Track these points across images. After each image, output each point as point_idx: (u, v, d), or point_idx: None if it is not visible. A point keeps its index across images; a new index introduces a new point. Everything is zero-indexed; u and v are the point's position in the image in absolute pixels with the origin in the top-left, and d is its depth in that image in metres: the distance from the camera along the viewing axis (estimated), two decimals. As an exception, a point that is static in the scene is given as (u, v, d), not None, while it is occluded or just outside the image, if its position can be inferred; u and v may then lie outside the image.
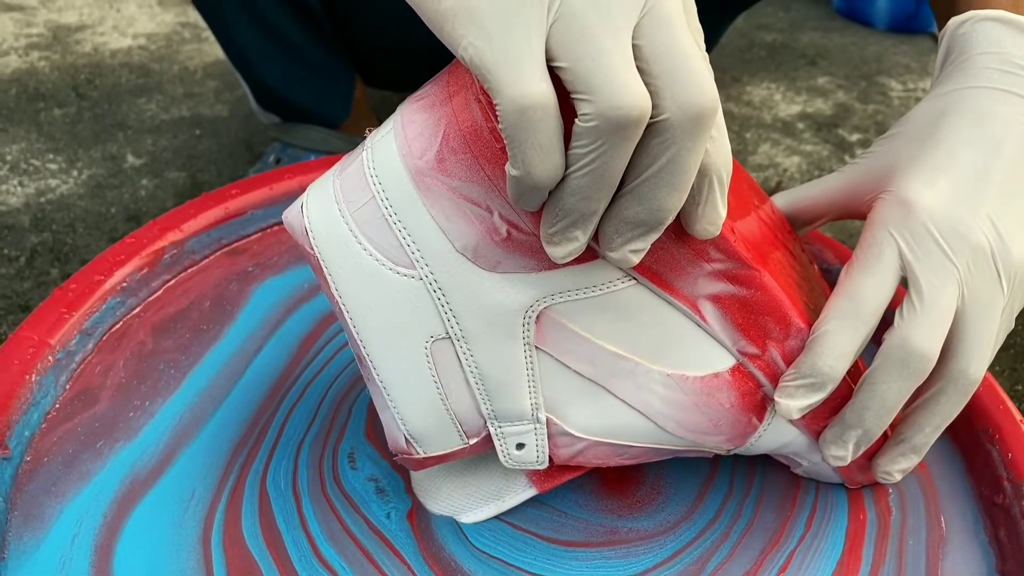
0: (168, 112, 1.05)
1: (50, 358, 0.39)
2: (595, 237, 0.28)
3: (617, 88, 0.23)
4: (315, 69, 0.84)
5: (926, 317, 0.31)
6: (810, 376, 0.31)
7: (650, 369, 0.32)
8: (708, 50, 0.91)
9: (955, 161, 0.34)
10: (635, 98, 0.23)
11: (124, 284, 0.44)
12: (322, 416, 0.40)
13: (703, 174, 0.26)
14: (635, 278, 0.30)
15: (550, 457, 0.34)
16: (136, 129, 1.02)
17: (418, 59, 0.81)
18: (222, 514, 0.35)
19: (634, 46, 0.24)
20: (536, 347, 0.31)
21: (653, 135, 0.24)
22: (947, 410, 0.34)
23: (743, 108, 1.15)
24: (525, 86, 0.23)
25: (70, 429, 0.38)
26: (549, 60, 0.24)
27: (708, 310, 0.31)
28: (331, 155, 0.67)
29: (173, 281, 0.46)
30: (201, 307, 0.44)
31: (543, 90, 0.23)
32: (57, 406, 0.39)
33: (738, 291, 0.31)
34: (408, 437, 0.33)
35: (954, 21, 0.39)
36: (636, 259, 0.27)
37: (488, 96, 0.27)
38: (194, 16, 1.28)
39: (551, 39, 0.23)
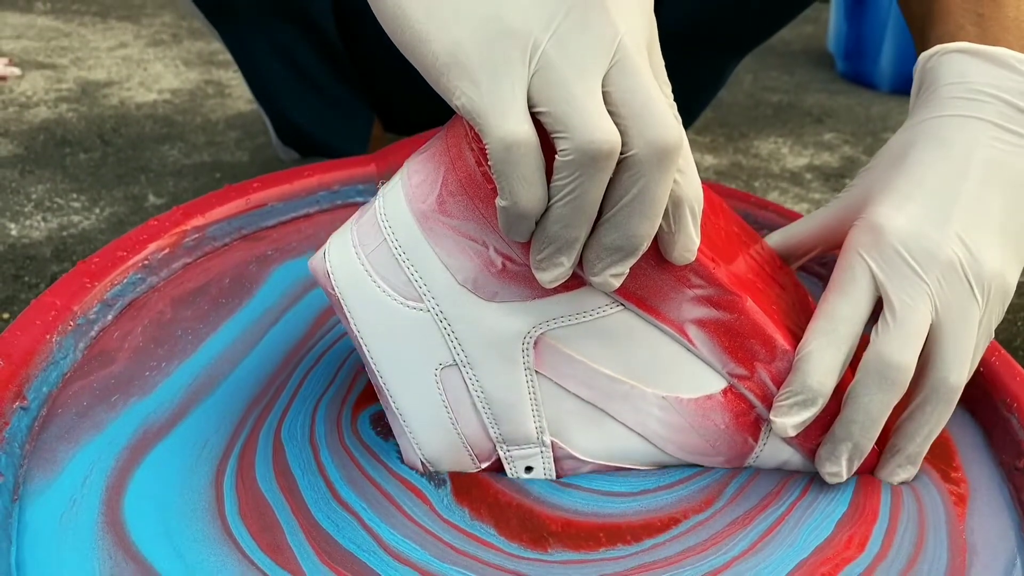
0: (190, 158, 1.08)
1: (71, 323, 0.40)
2: (580, 265, 0.30)
3: (590, 126, 0.26)
4: (336, 105, 0.86)
5: (899, 331, 0.33)
6: (801, 393, 0.33)
7: (645, 392, 0.34)
8: (712, 91, 0.93)
9: (922, 185, 0.37)
10: (605, 134, 0.26)
11: (146, 261, 0.44)
12: (340, 381, 0.40)
13: (676, 204, 0.29)
14: (623, 304, 0.33)
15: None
16: (158, 172, 1.05)
17: (430, 104, 0.84)
18: (235, 461, 0.35)
19: (605, 92, 0.27)
20: (536, 371, 0.33)
21: (624, 169, 0.27)
22: (934, 418, 0.35)
23: (751, 160, 1.18)
24: (510, 127, 0.26)
25: (85, 385, 0.38)
26: (531, 106, 0.27)
27: (695, 334, 0.33)
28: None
29: (193, 262, 0.47)
30: (221, 283, 0.45)
31: (525, 130, 0.26)
32: (75, 368, 0.39)
33: (722, 316, 0.33)
34: (424, 461, 0.35)
35: (924, 56, 0.41)
36: (617, 283, 0.30)
37: (480, 143, 0.30)
38: (218, 74, 1.33)
39: (532, 88, 0.27)
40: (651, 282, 0.32)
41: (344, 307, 0.34)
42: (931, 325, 0.34)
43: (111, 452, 0.35)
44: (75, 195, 0.98)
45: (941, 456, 0.38)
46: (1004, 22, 0.40)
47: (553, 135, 0.27)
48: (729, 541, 0.33)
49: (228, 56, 1.41)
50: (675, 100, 0.94)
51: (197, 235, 0.47)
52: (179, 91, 1.26)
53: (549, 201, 0.28)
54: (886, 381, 0.33)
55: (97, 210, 0.96)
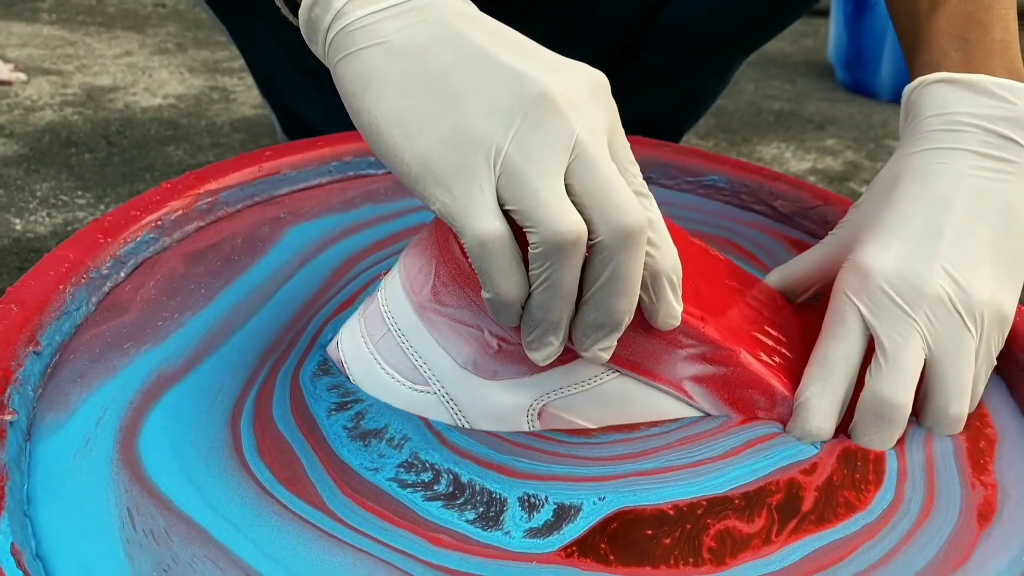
0: (195, 158, 1.08)
1: (84, 276, 0.39)
2: (571, 340, 0.32)
3: (554, 219, 0.28)
4: (341, 102, 0.86)
5: (891, 370, 0.34)
6: (801, 439, 0.35)
7: None
8: (717, 90, 0.94)
9: (906, 221, 0.37)
10: (569, 224, 0.28)
11: (159, 222, 0.44)
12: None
13: (654, 277, 0.31)
14: (618, 371, 0.34)
15: None
16: (164, 172, 1.05)
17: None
18: (251, 403, 0.34)
19: (568, 185, 0.29)
20: None
21: (595, 254, 0.29)
22: None
23: (754, 163, 1.18)
24: (482, 226, 0.28)
25: (97, 334, 0.37)
26: (501, 204, 0.29)
27: (693, 390, 0.35)
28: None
29: (206, 225, 0.46)
30: (233, 242, 0.45)
31: (497, 227, 0.28)
32: (87, 319, 0.39)
33: (717, 370, 0.35)
34: None
35: (908, 89, 0.42)
36: (606, 355, 0.31)
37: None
38: (223, 81, 1.33)
39: (500, 189, 0.28)
40: (642, 348, 0.34)
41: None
42: (926, 360, 0.35)
43: (124, 395, 0.34)
44: (80, 192, 0.98)
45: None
46: (990, 46, 0.41)
47: (524, 229, 0.28)
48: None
49: (233, 64, 1.41)
50: (682, 99, 0.94)
51: (210, 199, 0.47)
52: (184, 96, 1.27)
53: (530, 288, 0.30)
54: (883, 420, 0.34)
55: (102, 207, 0.95)
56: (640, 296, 0.31)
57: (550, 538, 0.30)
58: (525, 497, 0.31)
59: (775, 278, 0.44)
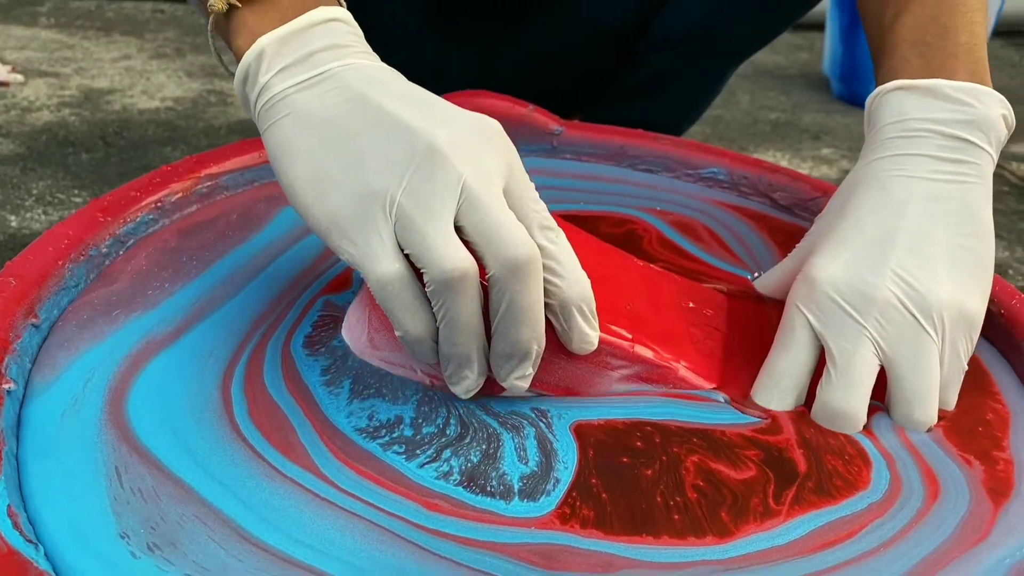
0: (191, 159, 1.08)
1: (83, 253, 0.39)
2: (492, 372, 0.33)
3: (440, 259, 0.30)
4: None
5: (841, 379, 0.34)
6: None
7: None
8: (712, 94, 0.94)
9: (859, 230, 0.37)
10: (454, 262, 0.30)
11: (159, 203, 0.44)
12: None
13: (562, 305, 0.32)
14: (550, 397, 0.35)
15: None
16: (159, 171, 1.04)
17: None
18: (242, 369, 0.34)
19: (459, 227, 0.31)
20: None
21: (491, 287, 0.31)
22: None
23: (751, 171, 1.18)
24: (382, 269, 0.30)
25: (86, 301, 0.37)
26: (402, 249, 0.31)
27: None
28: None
29: (205, 208, 0.46)
30: (228, 218, 0.44)
31: (396, 268, 0.30)
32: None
33: (656, 389, 0.35)
34: None
35: (869, 100, 0.42)
36: (524, 384, 0.32)
37: None
38: (220, 85, 1.34)
39: (397, 235, 0.31)
40: (570, 373, 0.34)
41: None
42: (885, 366, 0.34)
43: (113, 359, 0.34)
44: (76, 191, 0.98)
45: (981, 383, 0.37)
46: (953, 49, 0.40)
47: (420, 269, 0.30)
48: None
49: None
50: (676, 104, 0.95)
51: (210, 183, 0.46)
52: (181, 99, 1.27)
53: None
54: (836, 429, 0.34)
55: (97, 204, 0.95)
56: (554, 324, 0.32)
57: (542, 499, 0.30)
58: (474, 407, 0.34)
59: (758, 286, 0.44)
